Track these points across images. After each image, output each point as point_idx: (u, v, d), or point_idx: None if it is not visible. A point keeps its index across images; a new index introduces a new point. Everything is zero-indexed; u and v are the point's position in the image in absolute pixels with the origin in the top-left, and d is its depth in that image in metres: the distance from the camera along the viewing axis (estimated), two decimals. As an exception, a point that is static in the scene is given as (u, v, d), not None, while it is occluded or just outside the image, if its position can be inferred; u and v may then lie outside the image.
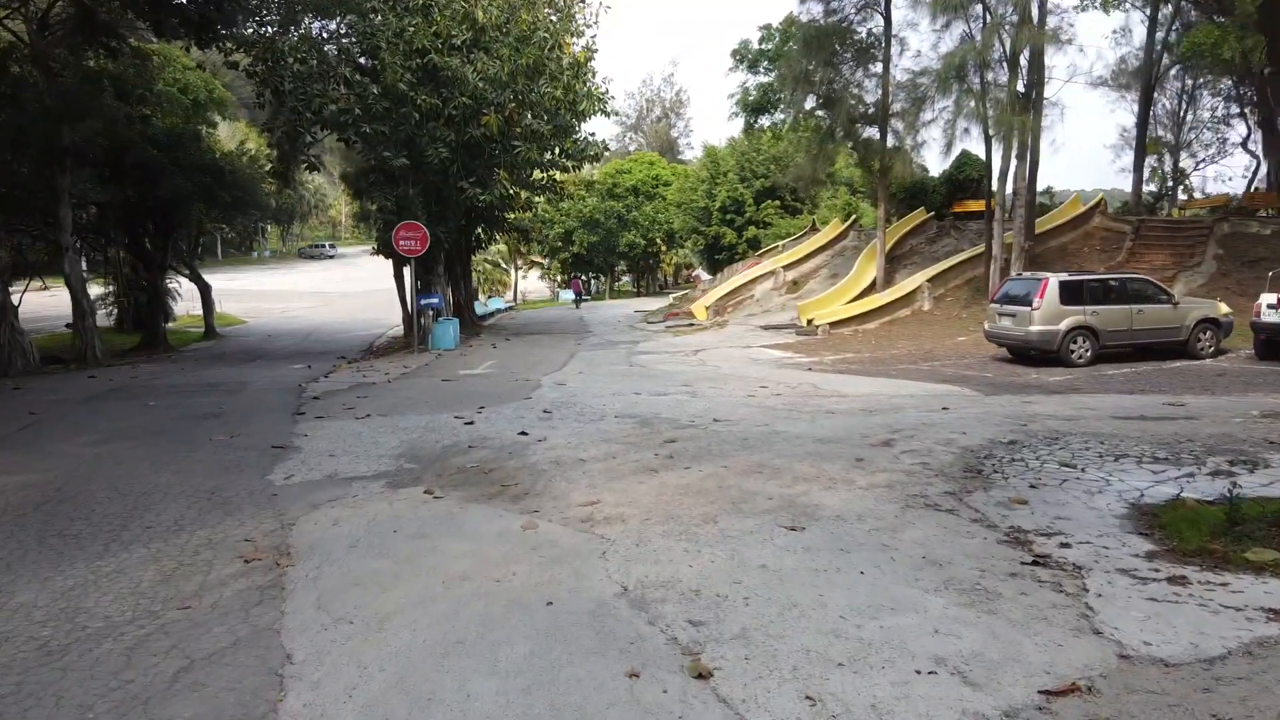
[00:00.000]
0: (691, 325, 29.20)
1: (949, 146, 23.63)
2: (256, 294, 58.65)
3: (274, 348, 29.51)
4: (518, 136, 23.39)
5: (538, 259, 67.43)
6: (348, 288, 61.91)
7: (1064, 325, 16.07)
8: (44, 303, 36.62)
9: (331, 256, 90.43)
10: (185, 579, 5.70)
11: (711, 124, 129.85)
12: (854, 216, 35.77)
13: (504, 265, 65.36)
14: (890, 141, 26.29)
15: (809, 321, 25.07)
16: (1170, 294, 16.99)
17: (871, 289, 27.10)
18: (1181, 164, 40.60)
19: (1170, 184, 37.27)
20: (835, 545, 5.95)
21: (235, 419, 11.86)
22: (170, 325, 37.78)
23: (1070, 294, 16.25)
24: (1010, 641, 4.33)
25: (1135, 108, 43.89)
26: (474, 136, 23.03)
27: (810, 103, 28.56)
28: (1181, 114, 40.67)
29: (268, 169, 29.57)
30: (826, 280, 30.36)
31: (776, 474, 8.01)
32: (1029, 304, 16.30)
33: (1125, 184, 54.20)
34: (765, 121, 32.20)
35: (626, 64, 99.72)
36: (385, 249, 24.94)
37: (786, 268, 32.03)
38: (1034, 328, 16.17)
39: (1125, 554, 5.71)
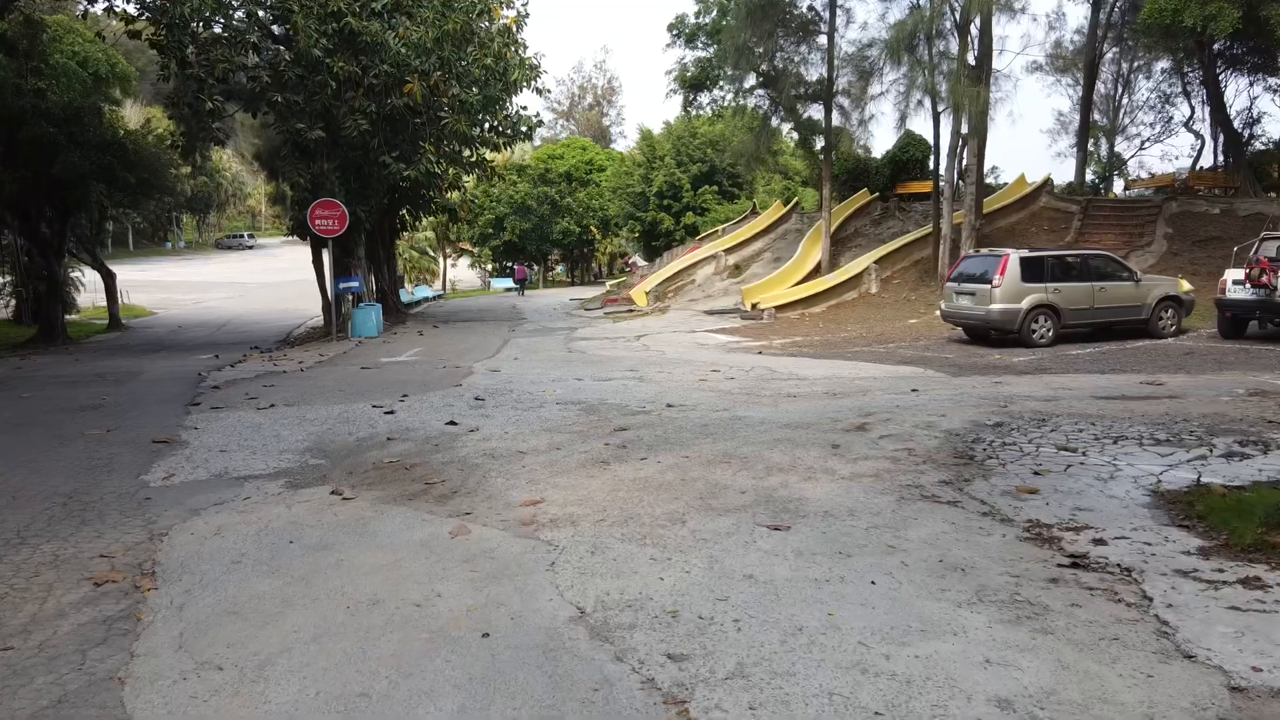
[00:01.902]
0: (631, 311, 28.18)
1: (902, 120, 23.02)
2: (168, 285, 56.04)
3: (182, 339, 27.76)
4: (444, 107, 22.02)
5: (467, 247, 65.61)
6: (266, 278, 59.56)
7: (1025, 304, 15.46)
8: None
9: (250, 247, 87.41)
10: (14, 609, 4.48)
11: (646, 107, 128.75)
12: (795, 199, 35.10)
13: (432, 253, 63.39)
14: (836, 118, 25.57)
15: (754, 305, 24.26)
16: (1132, 271, 16.52)
17: (816, 272, 26.39)
18: (1117, 149, 40.92)
19: (1107, 168, 37.37)
20: (832, 548, 4.98)
21: (117, 411, 10.44)
22: (74, 316, 35.75)
23: (1031, 271, 15.64)
24: (1086, 673, 3.39)
25: (1071, 91, 44.40)
26: (396, 107, 21.59)
27: (751, 80, 27.73)
28: (1117, 98, 40.97)
29: (169, 144, 27.59)
30: (770, 264, 29.59)
31: (746, 464, 7.03)
32: (988, 282, 15.65)
33: (1061, 169, 54.78)
34: (705, 99, 31.25)
35: (557, 50, 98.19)
36: (300, 230, 23.36)
37: (728, 251, 31.17)
38: (994, 306, 15.52)
39: (1174, 551, 4.86)
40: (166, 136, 28.83)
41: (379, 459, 7.50)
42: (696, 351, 17.12)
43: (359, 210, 23.09)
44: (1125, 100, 43.06)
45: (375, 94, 21.95)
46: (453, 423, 8.91)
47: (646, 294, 29.66)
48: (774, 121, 27.34)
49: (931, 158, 31.88)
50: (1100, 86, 42.42)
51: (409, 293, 43.95)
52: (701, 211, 45.05)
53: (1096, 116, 41.39)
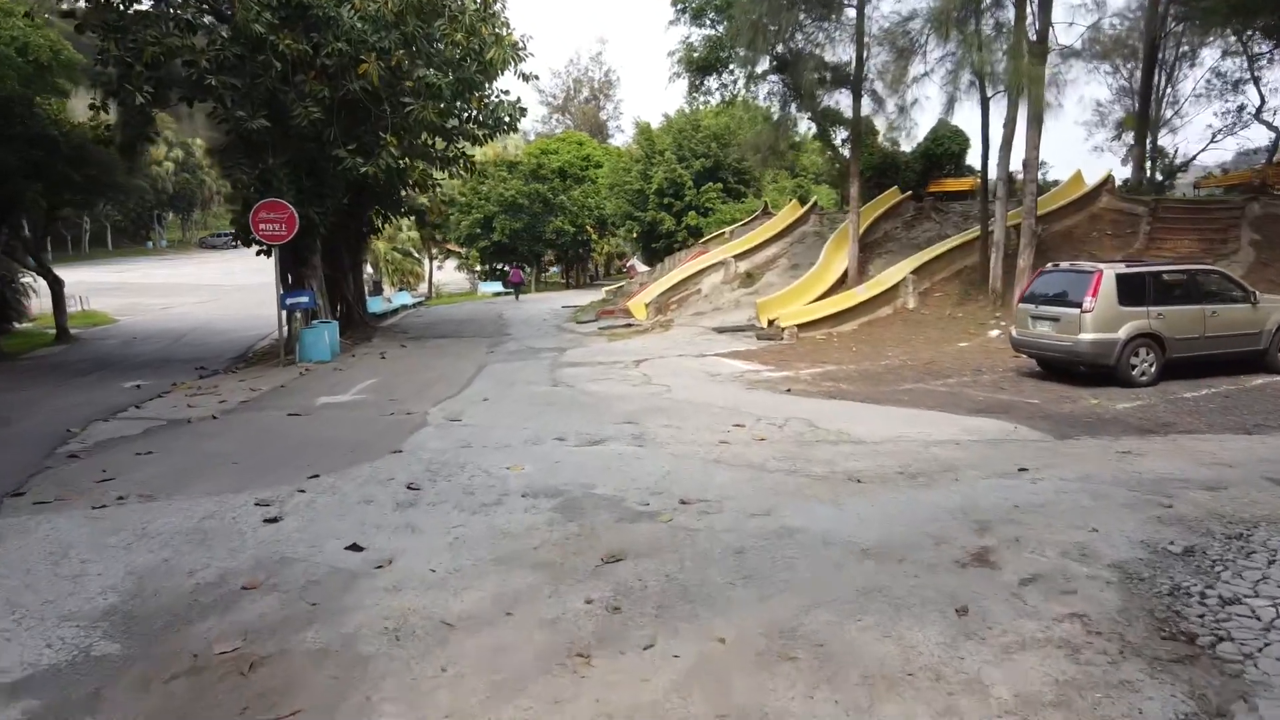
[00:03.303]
0: (629, 326, 25.27)
1: (949, 105, 20.03)
2: (141, 288, 53.47)
3: (129, 354, 25.05)
4: (408, 92, 19.15)
5: (455, 248, 62.70)
6: (246, 280, 56.87)
7: (1124, 333, 12.58)
8: None
9: (234, 246, 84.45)
10: None
11: (647, 101, 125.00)
12: (813, 199, 32.19)
13: (416, 254, 60.47)
14: (866, 105, 22.68)
15: (770, 322, 21.40)
16: (1248, 290, 13.64)
17: (842, 283, 23.49)
18: (1166, 143, 38.01)
19: (1170, 165, 34.48)
20: None
21: (-98, 507, 7.57)
22: (26, 325, 33.39)
23: (1130, 291, 12.77)
24: None
25: (1110, 80, 41.54)
26: (353, 92, 18.71)
27: (764, 64, 24.90)
28: (1161, 88, 38.11)
29: (98, 139, 24.85)
30: (786, 272, 26.69)
31: (824, 664, 4.22)
32: (1076, 305, 12.77)
33: (1100, 164, 51.85)
34: (712, 83, 28.35)
35: (553, 42, 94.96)
36: (245, 235, 20.49)
37: (738, 257, 28.21)
38: (1085, 336, 12.64)
39: None
40: (99, 130, 26.04)
41: (210, 640, 4.65)
42: (709, 387, 14.26)
43: (312, 212, 20.23)
44: (1168, 90, 40.32)
45: (329, 77, 19.11)
46: (356, 546, 6.04)
47: (646, 306, 26.75)
48: (795, 106, 24.45)
49: (969, 151, 29.25)
50: (1139, 76, 39.71)
51: (386, 300, 41.09)
52: (705, 212, 42.09)
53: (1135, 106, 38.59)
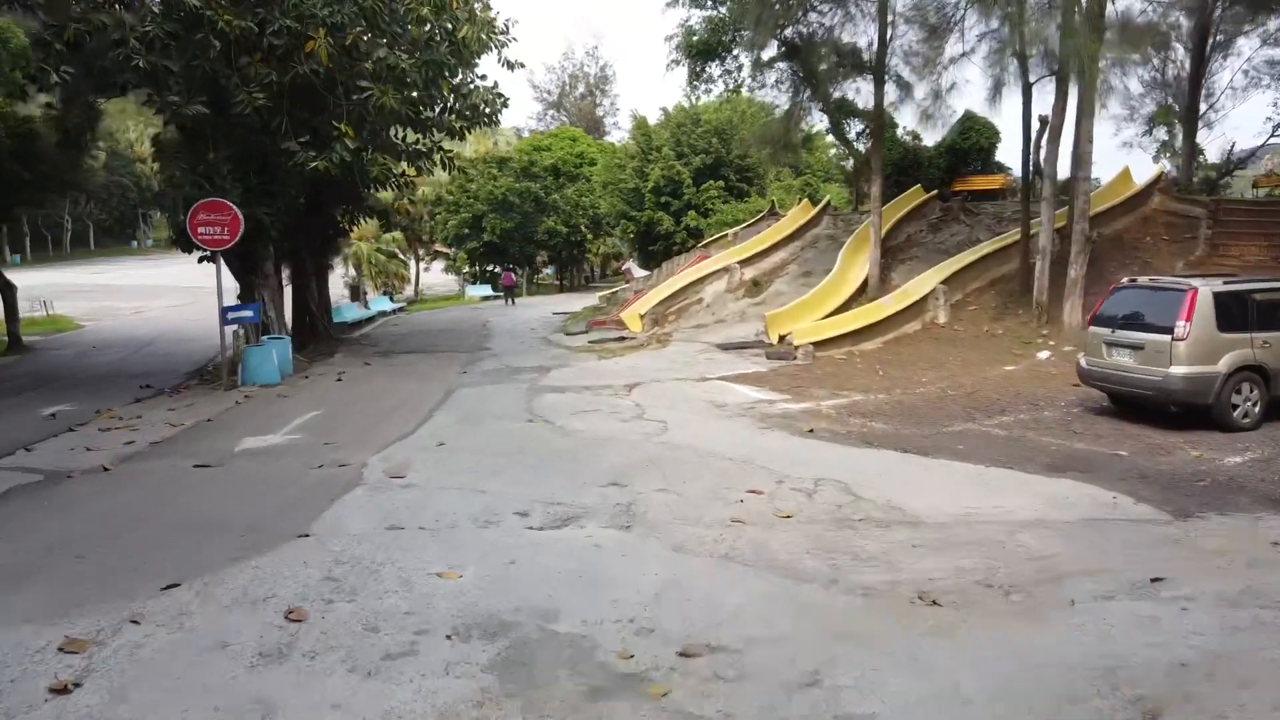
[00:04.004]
0: (623, 340, 23.08)
1: (996, 90, 17.81)
2: (117, 291, 51.71)
3: (79, 367, 23.17)
4: (366, 75, 17.00)
5: (442, 249, 60.52)
6: (230, 282, 54.75)
7: (1224, 365, 10.46)
8: None
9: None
10: None
11: (646, 92, 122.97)
12: (826, 199, 30.00)
13: (402, 256, 58.26)
14: (891, 92, 20.57)
15: (781, 338, 19.27)
16: (1363, 311, 11.52)
17: (861, 293, 21.32)
18: (1198, 138, 35.89)
19: (1227, 163, 32.43)
20: None
21: None
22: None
23: (1230, 314, 10.65)
24: None
25: (1141, 71, 39.45)
26: (303, 75, 16.57)
27: (772, 49, 22.82)
28: (1200, 78, 36.00)
29: (26, 132, 22.84)
30: (797, 279, 24.50)
31: None
32: (1167, 331, 10.63)
33: (1130, 161, 49.64)
34: (715, 70, 26.17)
35: (548, 36, 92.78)
36: (183, 240, 18.33)
37: (743, 263, 26.03)
38: (1178, 370, 10.49)
39: None
40: (21, 125, 23.91)
41: None
42: (714, 424, 12.11)
43: (260, 213, 18.07)
44: (1203, 83, 38.24)
45: (277, 59, 16.99)
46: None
47: (641, 316, 24.57)
48: (803, 97, 22.35)
49: (999, 146, 27.17)
50: (1170, 68, 37.70)
51: (361, 307, 38.96)
52: (706, 212, 39.88)
53: (1172, 100, 36.53)
